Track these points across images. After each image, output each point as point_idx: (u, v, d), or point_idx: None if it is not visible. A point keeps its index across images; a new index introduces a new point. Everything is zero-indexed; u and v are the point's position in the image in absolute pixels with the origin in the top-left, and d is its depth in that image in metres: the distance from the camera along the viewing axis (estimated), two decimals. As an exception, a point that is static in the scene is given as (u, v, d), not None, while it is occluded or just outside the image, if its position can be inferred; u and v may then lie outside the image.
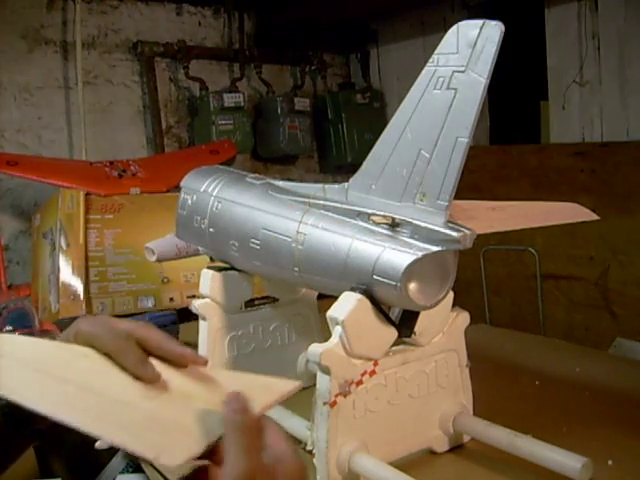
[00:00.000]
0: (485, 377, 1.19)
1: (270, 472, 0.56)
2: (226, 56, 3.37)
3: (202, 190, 1.31)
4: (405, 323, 1.01)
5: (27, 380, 0.66)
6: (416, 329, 1.03)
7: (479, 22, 0.86)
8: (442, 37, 0.90)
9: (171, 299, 2.36)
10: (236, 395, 0.58)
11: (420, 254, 0.90)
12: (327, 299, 1.09)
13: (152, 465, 1.15)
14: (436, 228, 0.91)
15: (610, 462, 1.03)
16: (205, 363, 0.68)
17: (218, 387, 0.65)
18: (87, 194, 2.34)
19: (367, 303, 0.96)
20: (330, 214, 1.04)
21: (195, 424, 0.60)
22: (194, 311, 1.32)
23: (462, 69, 0.87)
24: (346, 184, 1.04)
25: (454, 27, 0.89)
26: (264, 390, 0.64)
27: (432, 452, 1.11)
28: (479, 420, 1.10)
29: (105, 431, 0.61)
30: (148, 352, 0.67)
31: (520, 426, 1.05)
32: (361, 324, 0.96)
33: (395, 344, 1.03)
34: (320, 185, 1.09)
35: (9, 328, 1.82)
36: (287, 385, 0.65)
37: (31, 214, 2.63)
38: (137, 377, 0.64)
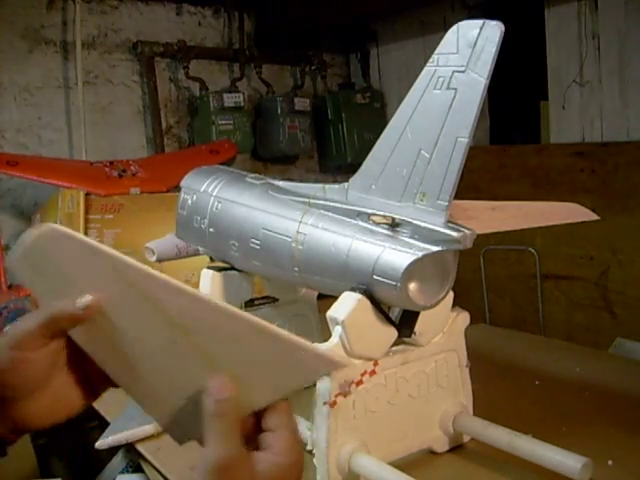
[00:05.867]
0: (485, 377, 1.19)
1: (252, 462, 0.55)
2: (226, 56, 3.36)
3: (202, 190, 1.31)
4: (405, 323, 1.01)
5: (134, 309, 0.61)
6: (416, 329, 1.03)
7: (479, 22, 0.86)
8: (442, 37, 0.90)
9: (171, 299, 2.36)
10: (219, 382, 0.56)
11: (420, 254, 0.90)
12: (327, 299, 1.09)
13: (152, 465, 1.15)
14: (436, 228, 0.91)
15: (610, 462, 1.03)
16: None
17: (246, 357, 0.59)
18: (87, 194, 2.34)
19: (367, 303, 0.96)
20: (330, 214, 1.04)
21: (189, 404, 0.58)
22: (194, 311, 1.32)
23: (462, 69, 0.87)
24: (346, 184, 1.04)
25: (454, 27, 0.89)
26: (292, 373, 0.59)
27: (432, 452, 1.11)
28: (479, 420, 1.09)
29: (132, 387, 0.62)
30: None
31: (520, 426, 1.05)
32: (361, 324, 0.96)
33: (395, 344, 1.03)
34: (320, 185, 1.09)
35: (9, 328, 1.82)
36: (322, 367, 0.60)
37: (31, 214, 2.63)
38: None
